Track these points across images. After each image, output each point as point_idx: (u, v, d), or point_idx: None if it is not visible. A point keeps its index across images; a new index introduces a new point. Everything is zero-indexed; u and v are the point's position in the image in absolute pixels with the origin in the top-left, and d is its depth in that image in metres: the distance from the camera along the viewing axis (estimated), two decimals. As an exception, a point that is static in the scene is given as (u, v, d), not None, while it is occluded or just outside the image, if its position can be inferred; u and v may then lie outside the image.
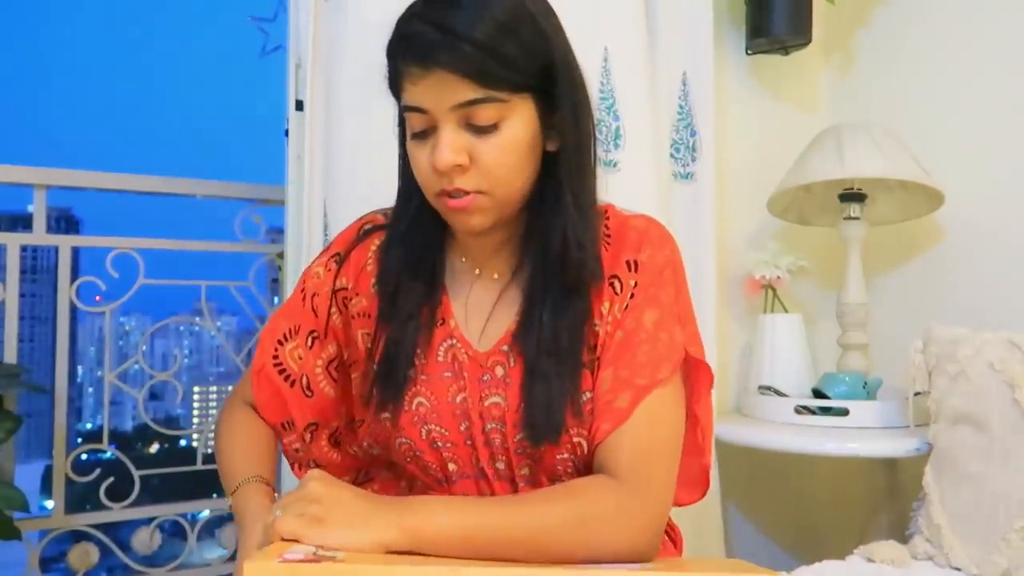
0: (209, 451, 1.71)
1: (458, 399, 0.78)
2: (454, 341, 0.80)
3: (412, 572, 0.57)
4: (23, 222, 1.70)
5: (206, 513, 1.72)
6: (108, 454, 1.64)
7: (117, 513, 1.59)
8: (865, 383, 1.46)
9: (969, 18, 1.55)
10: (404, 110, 0.73)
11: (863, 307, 1.56)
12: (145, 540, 1.63)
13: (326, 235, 1.33)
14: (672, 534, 0.90)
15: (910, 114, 1.65)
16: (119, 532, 1.72)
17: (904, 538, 1.24)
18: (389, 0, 1.34)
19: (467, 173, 0.71)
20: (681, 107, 1.60)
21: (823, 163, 1.47)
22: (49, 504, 1.56)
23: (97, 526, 1.58)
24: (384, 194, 1.31)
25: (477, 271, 0.83)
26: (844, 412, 1.40)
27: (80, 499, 1.81)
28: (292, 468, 0.92)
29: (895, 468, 1.53)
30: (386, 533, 0.61)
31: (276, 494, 0.78)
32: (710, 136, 1.61)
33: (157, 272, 1.67)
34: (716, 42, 1.63)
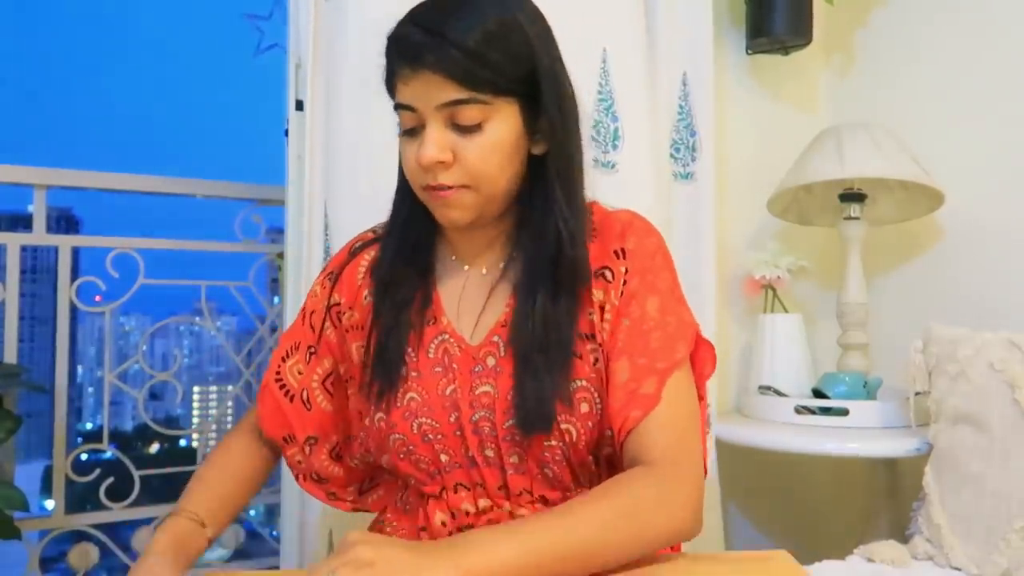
0: (209, 451, 1.71)
1: (448, 391, 0.79)
2: (446, 336, 0.82)
3: None
4: (23, 222, 1.70)
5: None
6: (108, 454, 1.64)
7: (117, 513, 1.59)
8: (865, 383, 1.46)
9: (969, 18, 1.55)
10: (396, 108, 0.77)
11: (863, 307, 1.56)
12: (145, 540, 1.62)
13: (326, 235, 1.33)
14: None
15: (910, 114, 1.65)
16: (119, 532, 1.72)
17: (904, 538, 1.24)
18: (389, 0, 1.35)
19: (450, 170, 0.74)
20: (681, 107, 1.60)
21: (823, 163, 1.47)
22: (49, 504, 1.56)
23: (97, 526, 1.58)
24: (384, 194, 1.31)
25: (466, 267, 0.86)
26: (844, 412, 1.40)
27: (80, 499, 1.81)
28: (297, 480, 0.94)
29: (895, 468, 1.53)
30: None
31: (206, 527, 0.81)
32: (710, 136, 1.61)
33: (157, 272, 1.67)
34: (716, 42, 1.63)
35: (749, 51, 1.74)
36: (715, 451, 1.54)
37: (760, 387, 1.58)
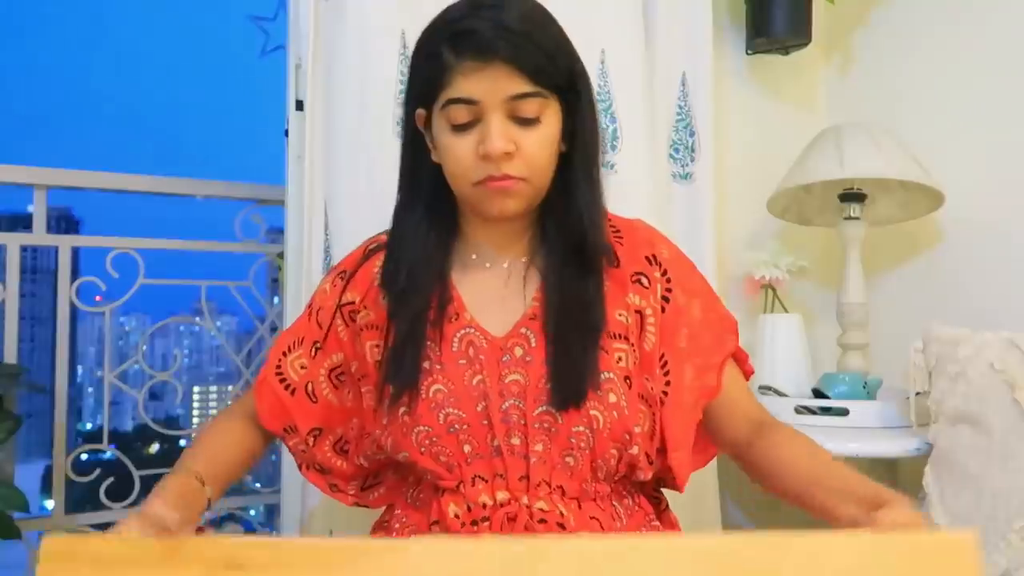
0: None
1: (474, 381, 0.81)
2: (471, 330, 0.84)
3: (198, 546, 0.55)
4: (23, 222, 1.70)
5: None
6: (108, 454, 1.64)
7: (117, 513, 1.59)
8: (865, 383, 1.46)
9: (969, 18, 1.55)
10: (450, 103, 0.77)
11: (863, 307, 1.56)
12: (145, 540, 1.62)
13: (326, 235, 1.33)
14: (668, 519, 0.91)
15: (910, 114, 1.65)
16: (119, 532, 1.72)
17: (904, 538, 1.24)
18: (389, 0, 1.35)
19: (513, 160, 0.77)
20: (680, 107, 1.60)
21: (823, 163, 1.47)
22: (49, 504, 1.56)
23: (97, 526, 1.58)
24: (384, 194, 1.31)
25: (488, 264, 0.88)
26: (844, 412, 1.40)
27: (80, 499, 1.81)
28: (300, 468, 0.96)
29: (895, 468, 1.53)
30: None
31: (205, 487, 0.80)
32: (709, 136, 1.60)
33: (157, 272, 1.67)
34: (716, 42, 1.63)
35: (749, 51, 1.74)
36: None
37: (760, 387, 1.58)
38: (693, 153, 1.60)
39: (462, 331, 0.84)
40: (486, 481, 0.79)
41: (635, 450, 0.81)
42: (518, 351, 0.82)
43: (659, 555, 0.54)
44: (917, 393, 1.29)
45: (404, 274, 0.84)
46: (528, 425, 0.79)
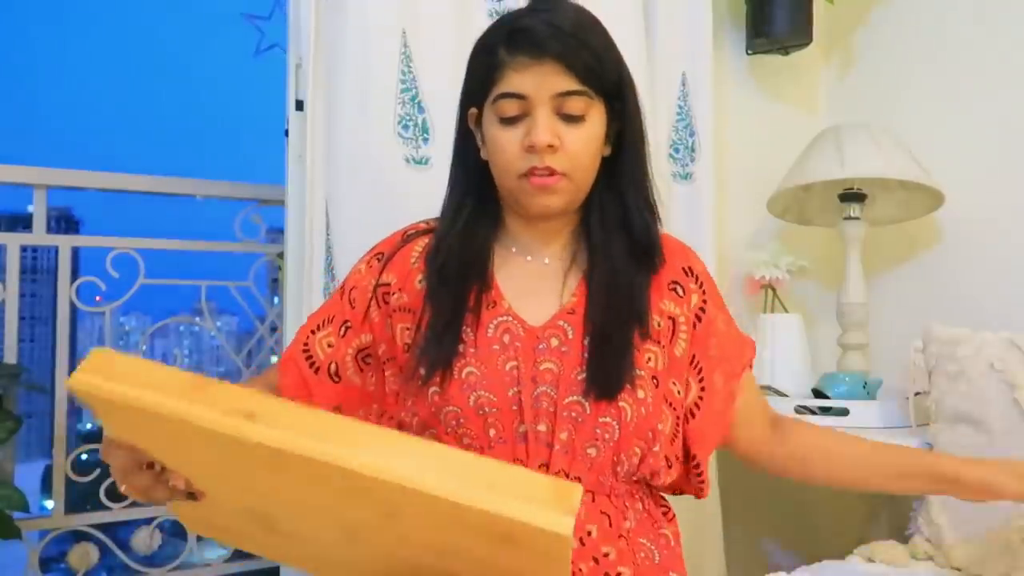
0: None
1: (508, 367, 0.83)
2: (508, 318, 0.86)
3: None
4: (23, 222, 1.70)
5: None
6: (108, 454, 1.64)
7: (117, 513, 1.59)
8: (865, 383, 1.46)
9: (969, 18, 1.55)
10: (500, 97, 0.81)
11: (863, 307, 1.55)
12: (145, 540, 1.63)
13: (327, 235, 1.33)
14: (672, 531, 0.91)
15: (910, 114, 1.65)
16: (119, 532, 1.72)
17: (904, 538, 1.24)
18: (389, 0, 1.35)
19: (556, 154, 0.81)
20: (680, 107, 1.60)
21: (823, 163, 1.47)
22: (49, 504, 1.56)
23: (97, 526, 1.58)
24: (384, 194, 1.32)
25: (529, 258, 0.91)
26: (844, 412, 1.40)
27: (80, 499, 1.81)
28: None
29: (895, 468, 1.53)
30: None
31: None
32: (709, 136, 1.61)
33: (157, 272, 1.67)
34: (716, 42, 1.63)
35: (749, 51, 1.74)
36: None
37: (760, 387, 1.57)
38: (693, 153, 1.60)
39: (499, 319, 0.86)
40: None
41: (657, 448, 0.83)
42: (554, 341, 0.84)
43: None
44: (917, 393, 1.29)
45: (449, 260, 0.87)
46: (557, 413, 0.80)
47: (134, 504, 1.62)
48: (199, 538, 1.69)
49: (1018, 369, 1.12)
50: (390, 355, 0.90)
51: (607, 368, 0.81)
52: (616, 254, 0.86)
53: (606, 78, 0.82)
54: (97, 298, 1.67)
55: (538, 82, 0.80)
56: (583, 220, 0.90)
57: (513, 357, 0.83)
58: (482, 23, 1.34)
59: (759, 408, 0.96)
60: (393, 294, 0.90)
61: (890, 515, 1.53)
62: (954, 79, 1.57)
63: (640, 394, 0.82)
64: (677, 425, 0.87)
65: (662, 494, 0.93)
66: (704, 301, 0.91)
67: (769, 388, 1.56)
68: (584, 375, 0.81)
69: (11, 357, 1.50)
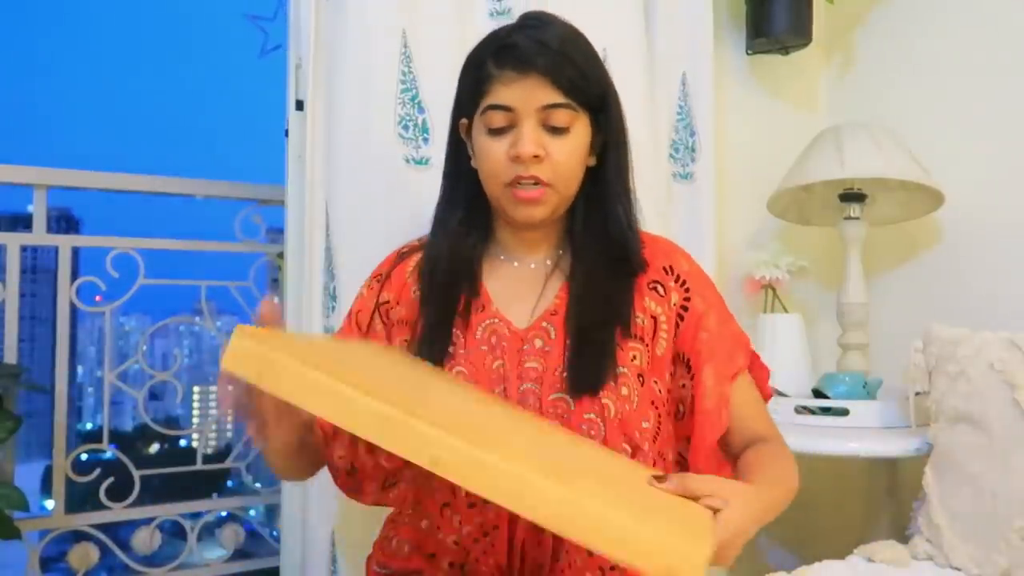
0: (209, 451, 1.71)
1: (495, 365, 0.87)
2: (495, 321, 0.90)
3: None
4: (23, 222, 1.69)
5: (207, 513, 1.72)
6: (108, 454, 1.64)
7: (117, 513, 1.59)
8: (865, 383, 1.46)
9: (969, 18, 1.55)
10: (489, 108, 0.85)
11: (863, 307, 1.56)
12: (145, 540, 1.62)
13: (326, 235, 1.33)
14: None
15: (910, 114, 1.65)
16: (119, 532, 1.72)
17: (904, 538, 1.24)
18: (389, 0, 1.35)
19: (541, 164, 0.84)
20: (680, 107, 1.60)
21: (823, 163, 1.47)
22: (49, 504, 1.56)
23: (97, 526, 1.58)
24: (384, 193, 1.32)
25: (516, 263, 0.95)
26: (844, 412, 1.40)
27: (80, 499, 1.81)
28: (336, 479, 0.94)
29: (895, 468, 1.53)
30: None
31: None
32: (710, 136, 1.60)
33: (157, 272, 1.66)
34: (716, 42, 1.63)
35: (749, 51, 1.74)
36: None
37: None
38: (693, 153, 1.60)
39: (487, 321, 0.90)
40: None
41: (646, 447, 0.84)
42: (538, 342, 0.88)
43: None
44: (917, 393, 1.29)
45: (440, 267, 0.91)
46: (543, 409, 0.84)
47: (134, 504, 1.62)
48: (199, 538, 1.69)
49: (1018, 369, 1.12)
50: None
51: (587, 365, 0.84)
52: (596, 259, 0.90)
53: (590, 92, 0.86)
54: (97, 298, 1.67)
55: (524, 95, 0.83)
56: (568, 227, 0.94)
57: (499, 356, 0.87)
58: (482, 23, 1.34)
59: (746, 425, 0.91)
60: (392, 309, 0.95)
61: (890, 515, 1.53)
62: (954, 79, 1.57)
63: (624, 391, 0.84)
64: (659, 424, 0.88)
65: None
66: (686, 299, 0.92)
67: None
68: (566, 372, 0.84)
69: (11, 357, 1.50)
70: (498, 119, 0.85)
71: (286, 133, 1.39)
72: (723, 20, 1.73)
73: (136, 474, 1.62)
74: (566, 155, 0.85)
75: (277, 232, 1.71)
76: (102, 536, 1.60)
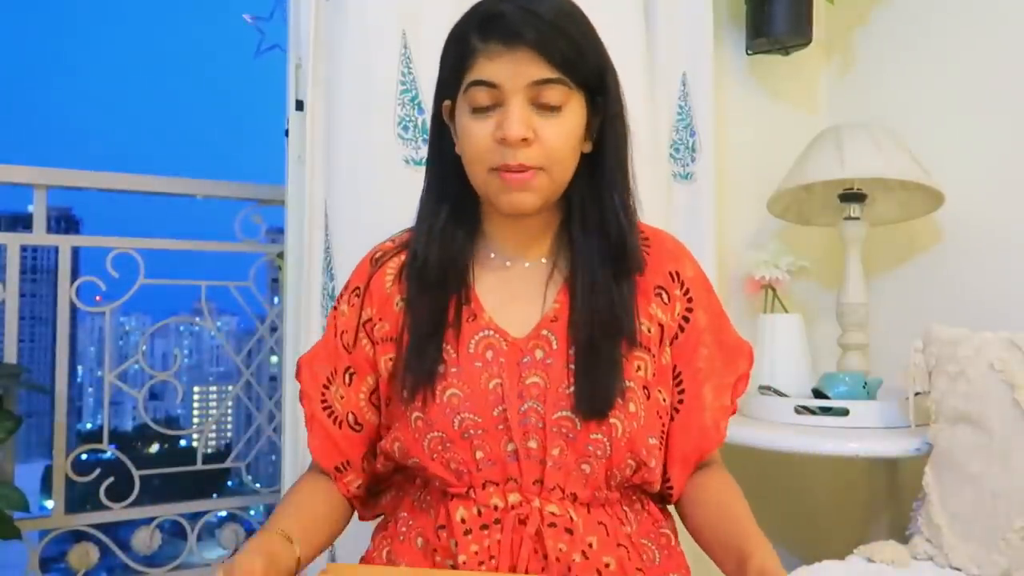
0: (209, 451, 1.71)
1: (491, 385, 0.79)
2: (489, 332, 0.82)
3: None
4: (23, 222, 1.69)
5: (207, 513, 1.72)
6: (108, 454, 1.64)
7: (117, 513, 1.59)
8: (865, 383, 1.46)
9: (969, 18, 1.55)
10: (472, 85, 0.77)
11: (863, 307, 1.56)
12: (145, 540, 1.62)
13: (326, 235, 1.33)
14: (671, 527, 0.91)
15: (910, 114, 1.65)
16: (119, 532, 1.72)
17: (904, 538, 1.24)
18: (389, 1, 1.35)
19: (531, 148, 0.76)
20: (681, 107, 1.60)
21: (823, 163, 1.47)
22: (49, 504, 1.56)
23: (97, 526, 1.58)
24: (384, 194, 1.32)
25: (508, 263, 0.86)
26: (844, 412, 1.40)
27: (80, 499, 1.81)
28: (357, 509, 0.92)
29: (895, 468, 1.53)
30: None
31: (294, 543, 0.77)
32: (710, 136, 1.61)
33: (157, 272, 1.67)
34: (716, 42, 1.63)
35: (749, 51, 1.74)
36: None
37: (760, 387, 1.58)
38: (693, 153, 1.60)
39: (480, 333, 0.82)
40: (497, 485, 0.78)
41: (652, 463, 0.81)
42: (538, 353, 0.80)
43: None
44: (917, 393, 1.29)
45: (426, 269, 0.83)
46: (547, 428, 0.78)
47: (134, 504, 1.62)
48: (199, 538, 1.69)
49: (1018, 369, 1.12)
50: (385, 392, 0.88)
51: (595, 385, 0.78)
52: (595, 260, 0.82)
53: (586, 68, 0.77)
54: (97, 298, 1.67)
55: (512, 70, 0.74)
56: (564, 221, 0.85)
57: (497, 374, 0.79)
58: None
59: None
60: (376, 326, 0.87)
61: (890, 515, 1.53)
62: (954, 79, 1.57)
63: (631, 408, 0.79)
64: (663, 436, 0.85)
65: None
66: (688, 309, 0.86)
67: (769, 388, 1.56)
68: (572, 390, 0.78)
69: (11, 357, 1.50)
70: (482, 97, 0.76)
71: (286, 133, 1.39)
72: (723, 20, 1.73)
73: (136, 474, 1.62)
74: (558, 137, 0.76)
75: (277, 232, 1.71)
76: (102, 536, 1.60)
